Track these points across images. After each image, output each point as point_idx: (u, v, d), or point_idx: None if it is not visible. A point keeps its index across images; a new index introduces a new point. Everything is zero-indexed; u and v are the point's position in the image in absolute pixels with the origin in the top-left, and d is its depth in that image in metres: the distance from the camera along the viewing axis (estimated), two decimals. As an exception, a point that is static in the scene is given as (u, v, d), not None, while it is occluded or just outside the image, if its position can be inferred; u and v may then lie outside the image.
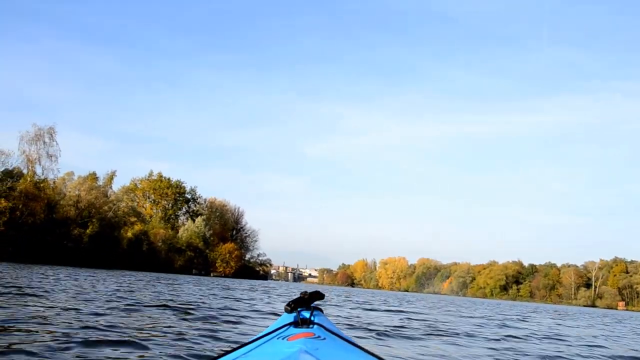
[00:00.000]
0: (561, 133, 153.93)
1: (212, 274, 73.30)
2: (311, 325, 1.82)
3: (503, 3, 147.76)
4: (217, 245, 77.26)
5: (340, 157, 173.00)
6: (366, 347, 1.69)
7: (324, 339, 1.67)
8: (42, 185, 47.49)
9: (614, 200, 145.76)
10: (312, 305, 2.01)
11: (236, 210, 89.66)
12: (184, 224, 76.40)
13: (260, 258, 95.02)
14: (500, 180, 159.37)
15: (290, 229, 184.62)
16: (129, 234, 57.68)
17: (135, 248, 56.77)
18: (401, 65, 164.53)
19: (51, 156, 49.11)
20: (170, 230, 70.76)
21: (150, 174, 79.83)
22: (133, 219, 60.34)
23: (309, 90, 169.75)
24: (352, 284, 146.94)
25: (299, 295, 2.02)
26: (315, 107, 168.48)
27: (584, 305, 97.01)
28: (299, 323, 1.84)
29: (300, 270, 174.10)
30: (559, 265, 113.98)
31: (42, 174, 48.99)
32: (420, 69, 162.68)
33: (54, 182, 50.12)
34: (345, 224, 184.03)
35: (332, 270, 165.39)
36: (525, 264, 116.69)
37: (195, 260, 71.77)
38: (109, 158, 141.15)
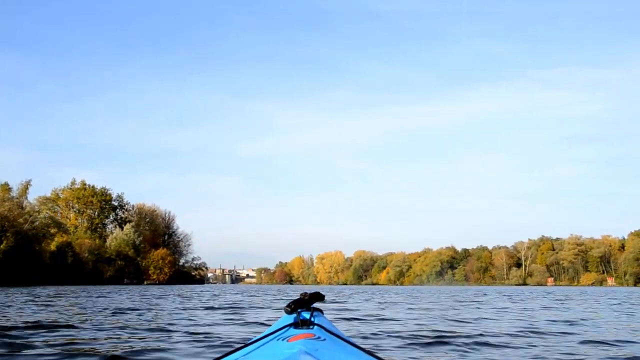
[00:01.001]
0: (485, 120, 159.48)
1: (145, 282, 70.47)
2: (311, 326, 1.79)
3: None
4: (149, 252, 74.51)
5: (273, 156, 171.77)
6: (367, 348, 1.66)
7: (324, 340, 1.66)
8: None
9: (537, 182, 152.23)
10: (312, 306, 1.97)
11: (166, 215, 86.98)
12: (112, 233, 73.04)
13: (195, 262, 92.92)
14: (429, 169, 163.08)
15: (225, 230, 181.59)
16: (52, 247, 54.24)
17: (59, 261, 53.44)
18: (328, 61, 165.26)
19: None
20: (97, 240, 67.46)
21: (73, 183, 75.77)
22: (54, 230, 56.73)
23: (240, 89, 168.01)
24: (291, 282, 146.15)
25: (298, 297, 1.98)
26: (246, 106, 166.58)
27: (516, 284, 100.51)
28: (299, 324, 1.81)
29: (238, 271, 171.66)
30: (490, 247, 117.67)
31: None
32: (347, 64, 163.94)
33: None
34: (281, 222, 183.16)
35: (269, 270, 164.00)
36: (459, 248, 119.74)
37: (126, 269, 68.78)
38: (28, 169, 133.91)
